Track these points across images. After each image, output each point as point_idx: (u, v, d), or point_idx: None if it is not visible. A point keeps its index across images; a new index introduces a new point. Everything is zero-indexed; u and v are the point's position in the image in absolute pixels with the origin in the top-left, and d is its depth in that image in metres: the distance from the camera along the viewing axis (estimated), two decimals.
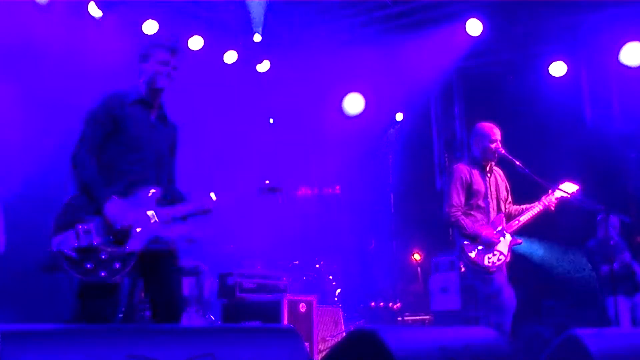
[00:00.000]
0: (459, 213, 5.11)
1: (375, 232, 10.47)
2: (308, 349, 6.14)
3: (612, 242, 6.97)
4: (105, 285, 3.42)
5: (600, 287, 7.14)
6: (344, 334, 6.67)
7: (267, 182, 4.06)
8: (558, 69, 9.03)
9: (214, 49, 8.71)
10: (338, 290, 8.73)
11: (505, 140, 5.32)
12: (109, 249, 3.39)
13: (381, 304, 9.19)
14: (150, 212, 3.54)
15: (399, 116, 10.16)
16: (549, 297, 8.71)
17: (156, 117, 3.76)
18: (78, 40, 7.36)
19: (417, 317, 8.89)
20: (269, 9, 8.46)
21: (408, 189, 10.49)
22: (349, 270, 9.47)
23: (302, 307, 6.35)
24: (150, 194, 3.58)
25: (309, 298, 6.51)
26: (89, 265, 3.34)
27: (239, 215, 4.22)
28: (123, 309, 5.43)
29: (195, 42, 8.38)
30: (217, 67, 8.90)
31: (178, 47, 3.74)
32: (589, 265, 7.41)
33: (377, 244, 10.45)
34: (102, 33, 7.61)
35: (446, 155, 10.35)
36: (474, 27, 8.44)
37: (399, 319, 8.88)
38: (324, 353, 6.40)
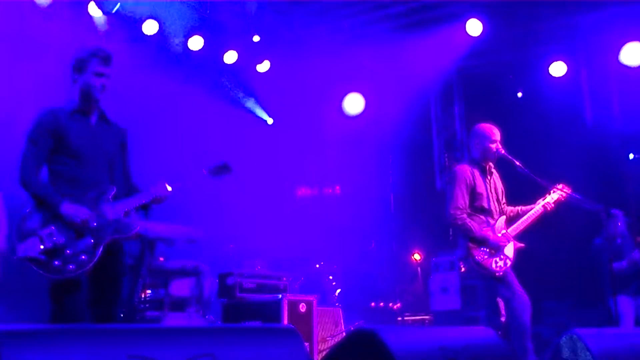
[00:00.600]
0: (465, 215, 5.06)
1: (375, 232, 10.47)
2: (308, 349, 6.14)
3: (619, 240, 6.97)
4: (71, 281, 3.61)
5: (606, 286, 7.11)
6: (344, 334, 6.67)
7: (213, 163, 4.20)
8: (558, 69, 9.03)
9: (214, 49, 8.72)
10: (338, 290, 8.74)
11: (505, 141, 5.31)
12: (74, 244, 3.61)
13: (381, 304, 9.19)
14: (105, 207, 3.74)
15: (399, 116, 10.16)
16: (549, 297, 8.70)
17: (97, 121, 3.88)
18: (78, 40, 7.36)
19: (417, 317, 8.89)
20: (269, 9, 8.45)
21: (408, 189, 10.49)
22: (349, 270, 9.47)
23: (302, 307, 6.34)
24: (104, 194, 3.77)
25: (309, 298, 6.51)
26: (57, 263, 3.56)
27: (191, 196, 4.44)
28: (123, 309, 5.44)
29: (195, 42, 8.38)
30: (217, 67, 8.90)
31: (112, 56, 3.85)
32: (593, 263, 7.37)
33: (377, 244, 10.45)
34: (102, 33, 7.61)
35: (446, 155, 10.35)
36: (474, 27, 8.44)
37: (399, 319, 8.88)
38: (324, 353, 6.39)
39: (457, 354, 2.60)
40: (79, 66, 3.81)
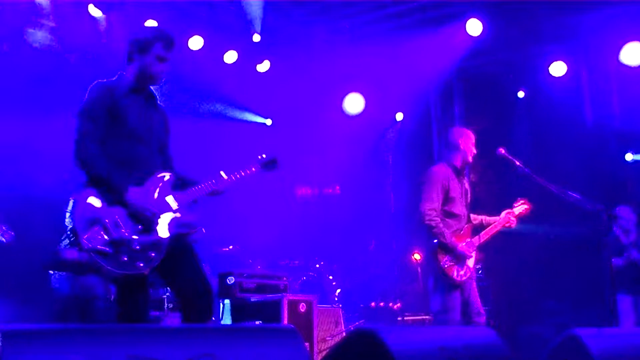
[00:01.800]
0: (439, 219, 5.07)
1: (375, 232, 10.46)
2: (308, 349, 6.14)
3: (632, 238, 6.98)
4: (137, 278, 3.36)
5: (610, 284, 7.08)
6: (344, 334, 6.67)
7: (263, 155, 4.04)
8: (558, 69, 9.03)
9: (214, 49, 8.72)
10: (338, 290, 8.73)
11: (505, 140, 5.33)
12: (141, 239, 3.31)
13: (381, 304, 9.18)
14: (169, 198, 3.48)
15: (399, 116, 10.16)
16: (549, 297, 8.71)
17: (146, 101, 3.64)
18: (78, 40, 7.36)
19: (417, 317, 8.88)
20: (269, 9, 8.45)
21: (408, 189, 10.48)
22: (349, 270, 9.47)
23: (302, 307, 6.34)
24: (164, 180, 3.52)
25: (309, 298, 6.51)
26: (125, 258, 3.25)
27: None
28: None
29: (195, 42, 8.38)
30: (217, 67, 8.90)
31: (174, 41, 3.64)
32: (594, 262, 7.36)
33: (377, 244, 10.44)
34: (101, 33, 7.61)
35: None
36: (474, 27, 8.44)
37: (399, 319, 8.87)
38: (324, 353, 6.39)
39: (457, 354, 2.59)
40: (141, 47, 3.55)
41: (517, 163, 5.29)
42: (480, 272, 8.60)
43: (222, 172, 3.74)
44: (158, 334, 2.14)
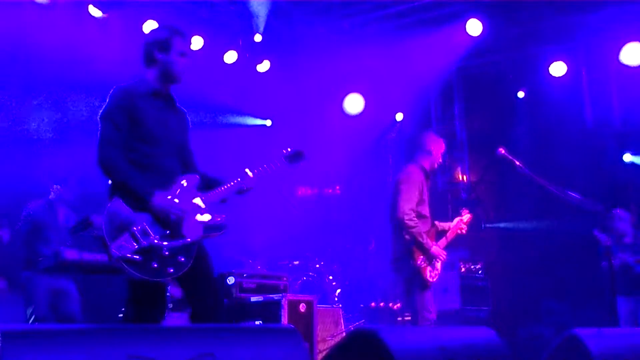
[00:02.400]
0: (417, 219, 5.16)
1: (375, 232, 10.46)
2: (308, 349, 6.13)
3: (627, 240, 6.97)
4: (155, 286, 3.33)
5: (610, 285, 7.08)
6: (344, 334, 6.67)
7: (288, 149, 3.99)
8: (558, 69, 9.03)
9: (214, 49, 8.72)
10: (338, 290, 8.73)
11: (505, 140, 5.35)
12: (169, 244, 3.26)
13: (381, 304, 9.18)
14: (196, 199, 3.44)
15: (399, 116, 10.16)
16: (549, 297, 8.71)
17: (165, 104, 3.59)
18: (78, 41, 7.36)
19: None
20: (271, 9, 8.45)
21: None
22: (349, 270, 9.46)
23: (302, 307, 6.34)
24: (189, 182, 3.47)
25: (309, 298, 6.50)
26: (155, 265, 3.20)
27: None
28: (123, 309, 5.43)
29: (195, 42, 8.38)
30: (217, 67, 8.90)
31: (189, 35, 3.58)
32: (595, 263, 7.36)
33: (377, 244, 10.43)
34: (102, 34, 7.61)
35: (446, 155, 10.35)
36: (474, 27, 8.45)
37: (399, 319, 8.86)
38: (324, 353, 6.39)
39: (457, 354, 2.60)
40: (162, 46, 3.48)
41: (517, 163, 5.31)
42: (480, 272, 8.61)
43: (247, 170, 3.68)
44: (158, 334, 2.14)
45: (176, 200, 3.35)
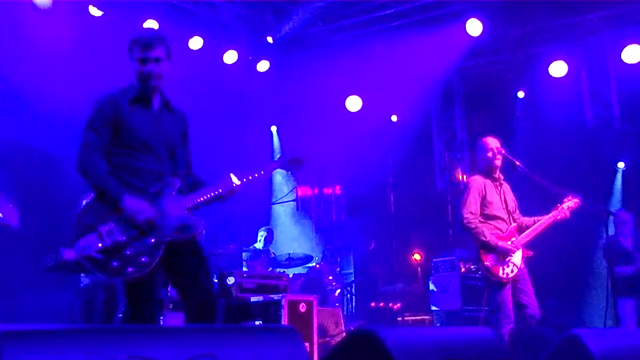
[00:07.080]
0: (477, 220, 5.21)
1: (375, 232, 10.47)
2: (308, 349, 6.14)
3: (624, 241, 6.96)
4: (142, 284, 3.39)
5: (612, 286, 7.08)
6: (344, 334, 6.67)
7: (277, 157, 4.07)
8: (558, 69, 9.03)
9: (214, 49, 8.72)
10: (338, 291, 8.74)
11: (505, 141, 5.35)
12: (135, 244, 3.36)
13: (381, 304, 9.19)
14: (170, 202, 3.49)
15: (394, 118, 10.21)
16: (549, 297, 8.70)
17: (159, 108, 3.66)
18: (78, 41, 7.36)
19: (417, 317, 8.88)
20: (269, 9, 8.46)
21: (408, 189, 10.49)
22: (349, 270, 9.48)
23: (302, 307, 6.34)
24: (169, 185, 3.54)
25: (309, 298, 6.50)
26: (115, 264, 3.30)
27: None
28: (123, 309, 5.43)
29: (195, 42, 8.38)
30: (217, 67, 8.90)
31: (153, 40, 3.58)
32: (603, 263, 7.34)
33: (377, 244, 10.45)
34: (102, 34, 7.61)
35: (446, 155, 10.35)
36: (474, 27, 8.45)
37: (399, 319, 8.87)
38: (324, 353, 6.38)
39: (457, 354, 2.59)
40: (129, 54, 3.60)
41: (517, 163, 5.31)
42: (479, 272, 8.60)
43: (232, 175, 3.71)
44: (158, 334, 2.14)
45: (150, 203, 3.44)
